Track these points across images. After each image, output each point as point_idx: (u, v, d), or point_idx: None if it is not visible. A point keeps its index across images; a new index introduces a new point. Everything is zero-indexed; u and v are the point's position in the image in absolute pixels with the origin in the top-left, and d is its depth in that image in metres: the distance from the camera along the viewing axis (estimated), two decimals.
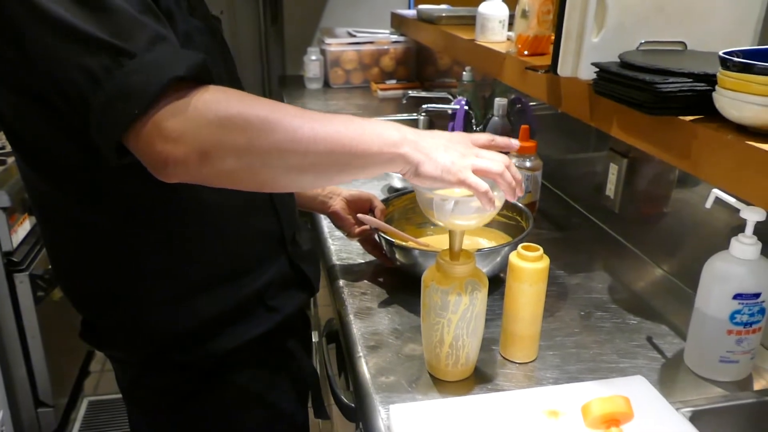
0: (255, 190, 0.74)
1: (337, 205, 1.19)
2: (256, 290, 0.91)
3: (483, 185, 0.76)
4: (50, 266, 0.95)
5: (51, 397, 2.11)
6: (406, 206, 1.32)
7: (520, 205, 1.27)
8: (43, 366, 2.06)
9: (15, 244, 1.94)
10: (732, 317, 0.89)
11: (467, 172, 0.76)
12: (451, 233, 0.87)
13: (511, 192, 0.79)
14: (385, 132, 0.74)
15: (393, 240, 1.14)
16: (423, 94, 2.24)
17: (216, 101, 0.67)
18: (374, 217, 1.17)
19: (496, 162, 0.78)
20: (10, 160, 2.07)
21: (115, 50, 0.64)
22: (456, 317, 0.87)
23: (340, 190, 1.21)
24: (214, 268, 0.88)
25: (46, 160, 0.80)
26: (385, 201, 1.29)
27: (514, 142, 0.85)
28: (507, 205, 1.28)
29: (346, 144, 0.72)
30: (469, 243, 1.26)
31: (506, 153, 0.84)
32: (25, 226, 2.01)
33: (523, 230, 1.19)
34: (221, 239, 0.88)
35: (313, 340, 1.83)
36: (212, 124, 0.66)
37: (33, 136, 0.78)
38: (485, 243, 1.26)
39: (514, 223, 1.27)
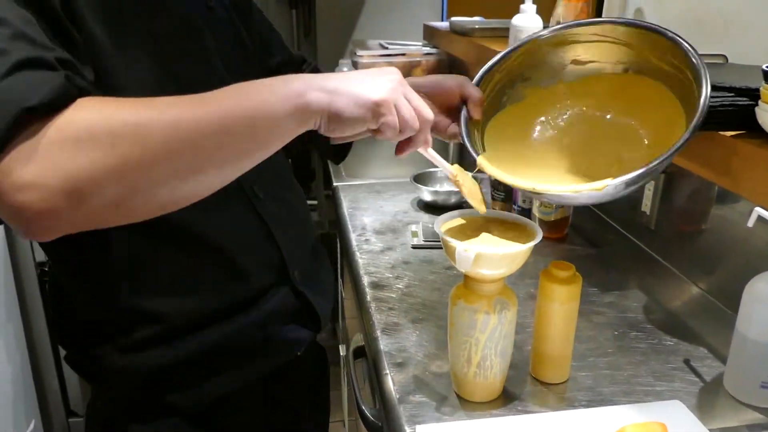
0: (155, 215, 0.60)
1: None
2: (251, 324, 0.85)
3: (396, 127, 0.65)
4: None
5: (82, 407, 2.13)
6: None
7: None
8: (75, 376, 2.08)
9: None
10: None
11: (387, 106, 0.64)
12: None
13: (425, 143, 0.70)
14: (284, 86, 0.62)
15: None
16: None
17: (70, 122, 0.54)
18: (468, 112, 0.88)
19: (421, 113, 0.67)
20: None
21: None
22: (484, 337, 0.85)
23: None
24: (202, 306, 0.82)
25: None
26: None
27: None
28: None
29: (241, 115, 0.59)
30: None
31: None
32: None
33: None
34: (213, 275, 0.82)
35: (341, 354, 1.82)
36: (72, 151, 0.53)
37: None
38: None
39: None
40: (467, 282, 0.85)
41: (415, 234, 1.45)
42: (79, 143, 0.53)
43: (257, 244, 0.86)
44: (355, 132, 0.67)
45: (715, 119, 0.88)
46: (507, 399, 0.91)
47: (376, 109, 0.64)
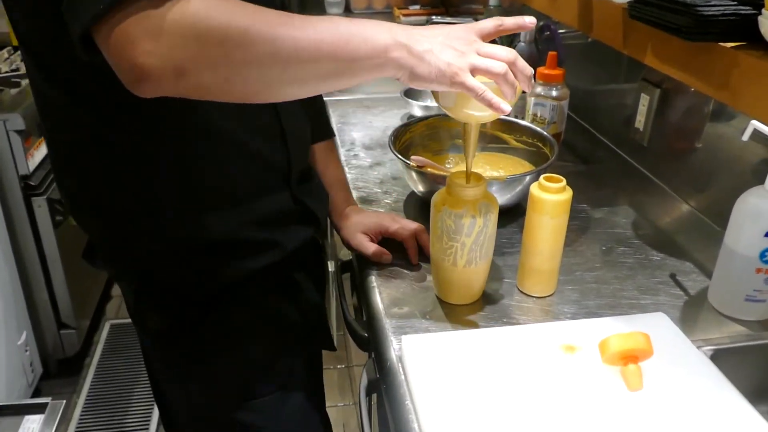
0: (237, 101, 0.70)
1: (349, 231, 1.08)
2: (254, 222, 0.88)
3: (480, 88, 0.70)
4: (54, 175, 0.93)
5: (73, 320, 2.16)
6: (423, 132, 1.28)
7: (544, 132, 1.22)
8: (64, 289, 2.09)
9: (32, 168, 1.94)
10: (762, 255, 0.85)
11: (464, 75, 0.70)
12: (465, 129, 0.83)
13: (511, 94, 0.72)
14: (374, 36, 0.68)
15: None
16: (447, 19, 2.16)
17: (193, 11, 0.61)
18: (410, 244, 1.04)
19: (498, 61, 0.71)
20: (24, 82, 2.04)
21: None
22: (470, 240, 0.85)
23: (355, 218, 1.09)
24: (212, 187, 0.85)
25: (60, 73, 0.77)
26: (404, 126, 1.25)
27: (528, 19, 0.77)
28: (530, 132, 1.24)
29: (331, 53, 0.67)
30: (488, 171, 1.23)
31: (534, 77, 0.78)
32: (41, 150, 2.00)
33: (547, 159, 1.15)
34: (223, 163, 0.84)
35: (330, 269, 1.83)
36: (188, 38, 0.61)
37: (45, 46, 0.75)
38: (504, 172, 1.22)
39: (536, 150, 1.22)
40: (451, 188, 0.85)
41: None
42: (196, 34, 0.62)
43: (272, 147, 0.89)
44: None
45: (716, 29, 0.85)
46: (493, 312, 0.92)
47: (452, 80, 0.70)
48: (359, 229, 1.06)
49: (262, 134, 0.87)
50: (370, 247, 1.03)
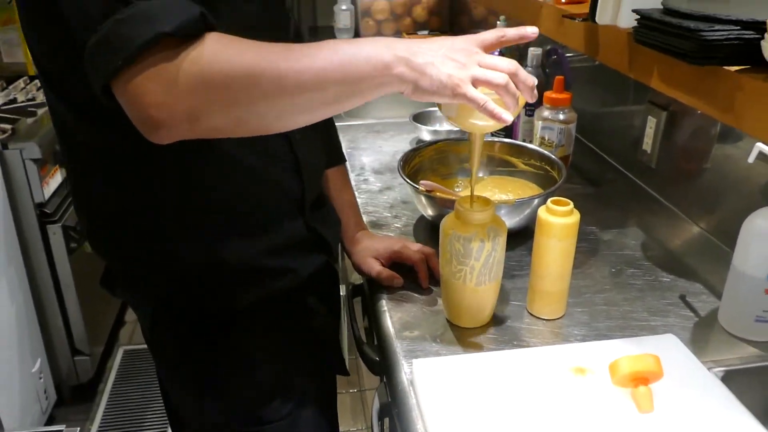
0: (252, 135, 0.73)
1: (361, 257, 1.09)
2: (269, 249, 0.90)
3: (482, 99, 0.71)
4: (69, 202, 0.95)
5: (87, 346, 2.17)
6: (432, 157, 1.29)
7: (552, 156, 1.23)
8: (78, 315, 2.11)
9: (47, 196, 1.97)
10: None
11: (465, 86, 0.70)
12: (470, 139, 0.84)
13: (513, 104, 0.73)
14: (375, 54, 0.70)
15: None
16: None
17: (198, 59, 0.65)
18: (421, 268, 1.05)
19: (499, 73, 0.71)
20: (40, 111, 2.08)
21: None
22: (479, 264, 0.86)
23: (366, 242, 1.11)
24: (229, 220, 0.87)
25: (80, 105, 0.80)
26: (413, 151, 1.26)
27: (530, 30, 0.77)
28: (538, 156, 1.25)
29: (335, 78, 0.69)
30: (497, 194, 1.24)
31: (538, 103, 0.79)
32: (56, 178, 2.03)
33: (555, 182, 1.16)
34: (239, 192, 0.86)
35: (341, 293, 1.84)
36: (196, 86, 0.65)
37: (67, 80, 0.78)
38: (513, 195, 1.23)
39: (544, 173, 1.24)
40: (459, 213, 0.86)
41: None
42: (203, 82, 0.65)
43: (286, 177, 0.91)
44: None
45: (720, 53, 0.86)
46: (503, 334, 0.92)
47: (454, 92, 0.71)
48: (370, 253, 1.07)
49: (277, 163, 0.89)
50: (382, 272, 1.04)
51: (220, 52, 0.66)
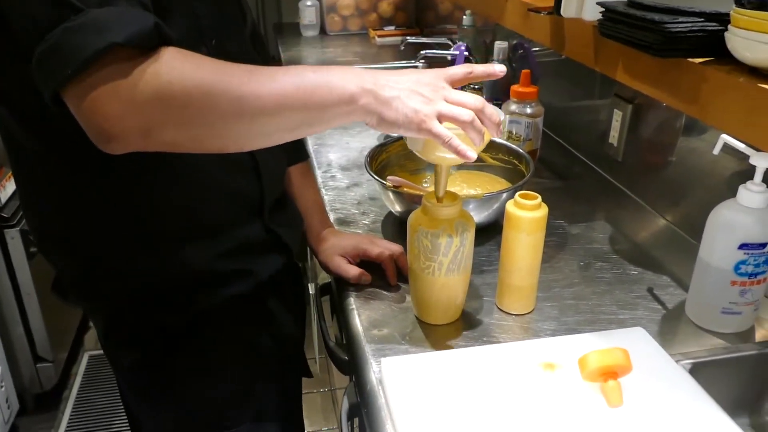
0: (208, 152, 0.72)
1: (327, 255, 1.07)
2: (224, 253, 0.87)
3: (446, 135, 0.71)
4: (21, 209, 0.92)
5: (50, 352, 2.11)
6: (399, 152, 1.28)
7: (520, 150, 1.23)
8: (40, 321, 2.05)
9: (4, 200, 1.91)
10: (737, 268, 0.85)
11: (431, 122, 0.70)
12: (436, 170, 0.83)
13: (479, 140, 0.73)
14: (340, 84, 0.69)
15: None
16: (422, 40, 2.17)
17: (155, 75, 0.63)
18: (389, 266, 1.03)
19: (465, 109, 0.72)
20: None
21: (64, 2, 0.61)
22: (447, 260, 0.85)
23: (332, 240, 1.08)
24: (184, 223, 0.84)
25: (27, 113, 0.77)
26: (380, 147, 1.25)
27: (498, 68, 0.77)
28: (506, 150, 1.25)
29: (297, 105, 0.68)
30: (465, 189, 1.23)
31: (503, 100, 0.78)
32: (12, 182, 1.96)
33: (523, 176, 1.15)
34: (195, 196, 0.84)
35: (310, 292, 1.82)
36: (151, 102, 0.63)
37: (11, 87, 0.75)
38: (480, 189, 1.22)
39: (512, 167, 1.23)
40: (426, 208, 0.85)
41: None
42: (159, 98, 0.63)
43: (245, 180, 0.89)
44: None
45: (684, 45, 0.87)
46: (473, 331, 0.91)
47: (420, 126, 0.71)
48: (337, 251, 1.05)
49: (234, 167, 0.87)
50: (350, 270, 1.02)
51: (177, 68, 0.64)
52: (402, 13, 2.78)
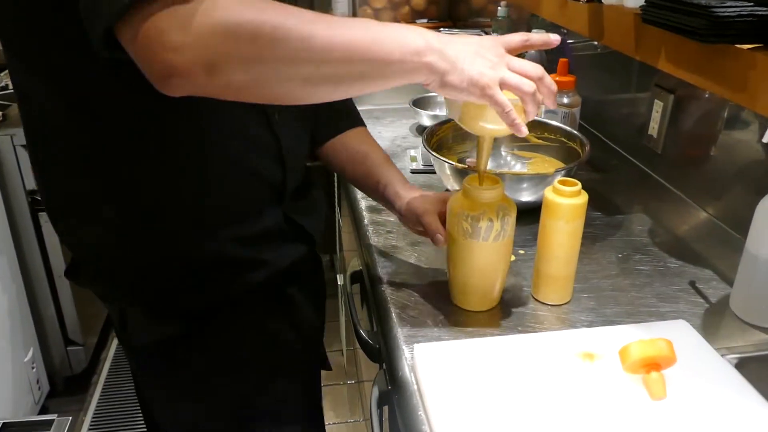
0: (267, 102, 0.68)
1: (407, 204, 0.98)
2: (242, 239, 0.84)
3: (507, 105, 0.69)
4: (38, 191, 0.89)
5: (80, 336, 2.13)
6: (448, 136, 1.29)
7: (574, 131, 1.21)
8: (71, 305, 2.07)
9: None
10: None
11: (494, 88, 0.68)
12: (478, 141, 0.82)
13: (535, 113, 0.71)
14: (407, 38, 0.67)
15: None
16: (455, 32, 2.15)
17: (224, 5, 0.59)
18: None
19: (527, 80, 0.70)
20: None
21: None
22: (487, 244, 0.83)
23: (404, 191, 0.99)
24: (203, 209, 0.81)
25: (45, 69, 0.73)
26: (431, 129, 1.25)
27: (554, 37, 0.75)
28: (558, 130, 1.25)
29: (364, 53, 0.65)
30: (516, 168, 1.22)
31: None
32: None
33: (578, 156, 1.14)
34: (217, 179, 0.81)
35: (339, 283, 1.81)
36: (220, 33, 0.59)
37: (41, 52, 0.72)
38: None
39: (561, 146, 1.24)
40: (468, 191, 0.83)
41: (414, 159, 1.41)
42: (227, 30, 0.59)
43: (267, 164, 0.86)
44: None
45: (733, 30, 0.84)
46: (507, 319, 0.89)
47: (483, 92, 0.69)
48: (435, 207, 0.94)
49: (258, 150, 0.84)
50: (441, 229, 0.91)
51: (243, 2, 0.60)
52: (434, 6, 2.75)
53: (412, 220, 0.96)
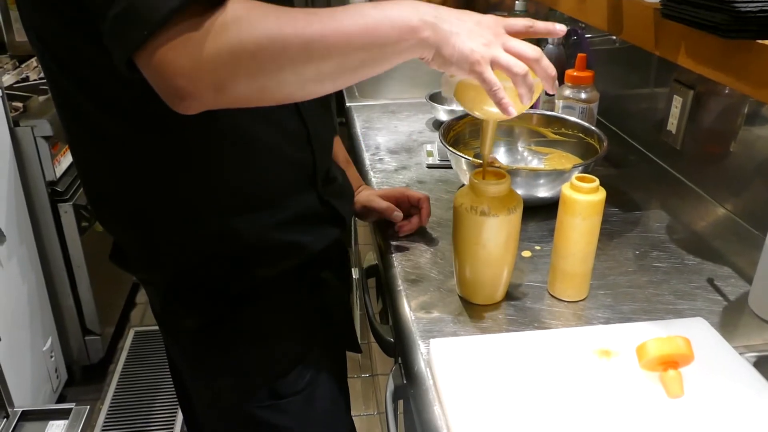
0: (276, 104, 0.71)
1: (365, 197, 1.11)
2: (282, 223, 0.87)
3: (495, 83, 0.69)
4: (79, 181, 0.92)
5: (98, 326, 2.16)
6: (465, 131, 1.30)
7: (592, 127, 1.22)
8: (89, 295, 2.10)
9: (58, 174, 1.95)
10: None
11: (484, 65, 0.69)
12: (482, 126, 0.82)
13: (528, 96, 0.71)
14: (402, 17, 0.68)
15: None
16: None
17: (224, 28, 0.62)
18: (420, 209, 1.09)
19: (520, 62, 0.70)
20: None
21: None
22: (493, 238, 0.83)
23: (372, 190, 1.14)
24: (241, 195, 0.84)
25: (89, 81, 0.76)
26: (448, 124, 1.26)
27: (559, 26, 0.75)
28: (576, 125, 1.25)
29: (362, 43, 0.67)
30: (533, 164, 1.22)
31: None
32: (68, 156, 2.01)
33: (596, 152, 1.13)
34: (252, 166, 0.84)
35: (354, 276, 1.81)
36: (225, 55, 0.63)
37: (73, 56, 0.75)
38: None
39: (578, 142, 1.23)
40: (473, 186, 0.84)
41: (430, 153, 1.41)
42: (230, 50, 0.62)
43: (297, 150, 0.89)
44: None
45: (754, 25, 0.83)
46: (523, 315, 0.89)
47: (472, 67, 0.70)
48: (378, 193, 1.10)
49: (289, 137, 0.87)
50: (382, 203, 1.07)
51: (244, 19, 0.64)
52: (451, 1, 2.74)
53: (364, 213, 1.08)
